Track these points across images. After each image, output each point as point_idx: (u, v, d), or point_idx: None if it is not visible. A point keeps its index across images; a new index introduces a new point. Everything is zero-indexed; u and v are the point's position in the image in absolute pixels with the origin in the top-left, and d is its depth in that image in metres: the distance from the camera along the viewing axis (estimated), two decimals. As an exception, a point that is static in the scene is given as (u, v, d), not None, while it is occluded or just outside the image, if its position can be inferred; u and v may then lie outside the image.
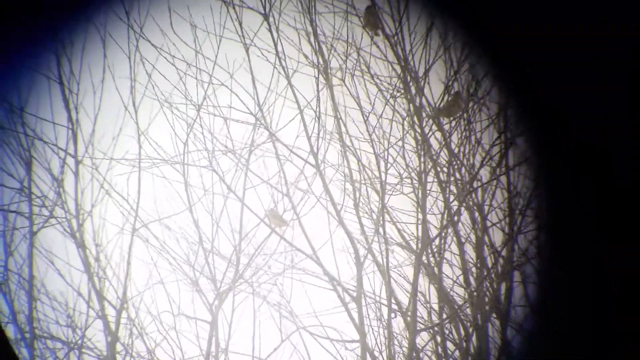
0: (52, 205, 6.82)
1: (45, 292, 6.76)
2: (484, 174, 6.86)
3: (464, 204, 6.78)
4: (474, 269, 6.78)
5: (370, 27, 6.88)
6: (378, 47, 6.89)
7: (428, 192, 6.76)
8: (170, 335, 6.76)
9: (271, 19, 6.70)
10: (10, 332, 6.57)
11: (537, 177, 6.57)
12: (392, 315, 6.65)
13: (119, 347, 6.72)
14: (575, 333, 5.76)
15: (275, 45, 6.70)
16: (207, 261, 6.79)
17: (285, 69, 6.70)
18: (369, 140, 6.81)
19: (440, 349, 6.70)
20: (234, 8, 6.68)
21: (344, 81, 6.82)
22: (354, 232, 6.73)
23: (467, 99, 6.79)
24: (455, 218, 6.76)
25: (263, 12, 6.71)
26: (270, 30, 6.70)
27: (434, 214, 6.82)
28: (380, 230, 6.72)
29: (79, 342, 6.70)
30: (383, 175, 6.78)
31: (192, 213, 6.82)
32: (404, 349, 6.63)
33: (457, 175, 6.82)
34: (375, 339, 6.68)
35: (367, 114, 6.84)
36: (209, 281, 6.79)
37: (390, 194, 6.82)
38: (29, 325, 6.67)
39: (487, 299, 6.66)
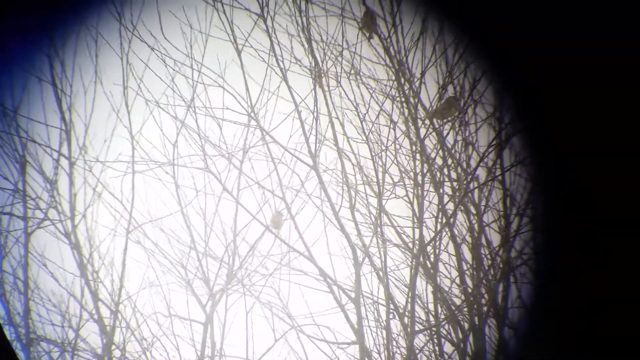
0: (47, 207, 6.84)
1: (40, 294, 6.81)
2: (480, 174, 6.82)
3: (460, 205, 6.73)
4: (470, 270, 6.74)
5: (366, 28, 6.86)
6: (375, 49, 6.86)
7: (426, 191, 6.71)
8: (165, 335, 6.79)
9: (268, 21, 6.69)
10: (6, 333, 6.61)
11: (533, 178, 6.52)
12: (391, 315, 6.63)
13: (113, 348, 6.75)
14: (571, 333, 5.76)
15: (272, 45, 6.67)
16: (200, 262, 6.79)
17: (283, 70, 6.68)
18: (365, 142, 6.78)
19: (437, 350, 6.68)
20: (231, 10, 6.66)
21: (339, 83, 6.79)
22: (353, 233, 6.69)
23: (462, 101, 6.74)
24: (452, 219, 6.71)
25: (260, 13, 6.69)
26: (267, 31, 6.68)
27: (431, 217, 6.78)
28: (379, 230, 6.69)
29: (74, 343, 6.73)
30: (380, 176, 6.74)
31: (184, 214, 6.80)
32: (402, 349, 6.62)
33: (453, 176, 6.78)
34: (374, 340, 6.67)
35: (363, 116, 6.80)
36: (202, 282, 6.78)
37: (388, 198, 6.78)
38: (24, 327, 6.72)
39: (483, 300, 6.63)
